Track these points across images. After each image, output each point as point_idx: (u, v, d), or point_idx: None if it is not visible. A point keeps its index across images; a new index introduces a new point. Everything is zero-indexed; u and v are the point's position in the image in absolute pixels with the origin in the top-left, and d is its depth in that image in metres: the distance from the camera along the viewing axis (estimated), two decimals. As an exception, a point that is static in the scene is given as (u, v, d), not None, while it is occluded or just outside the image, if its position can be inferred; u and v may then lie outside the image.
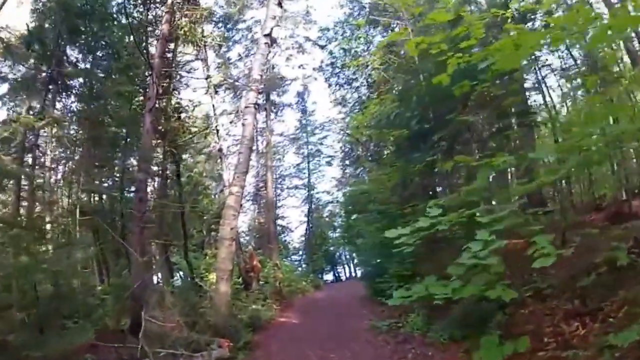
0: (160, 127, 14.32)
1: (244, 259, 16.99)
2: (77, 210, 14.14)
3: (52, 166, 15.27)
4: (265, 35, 12.97)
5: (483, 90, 9.28)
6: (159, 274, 20.01)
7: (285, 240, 37.34)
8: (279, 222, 37.66)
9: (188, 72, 20.38)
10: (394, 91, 16.63)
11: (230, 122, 24.58)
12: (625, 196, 12.04)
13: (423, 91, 12.16)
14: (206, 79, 19.88)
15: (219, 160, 19.72)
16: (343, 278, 40.14)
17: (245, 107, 12.31)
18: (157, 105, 13.29)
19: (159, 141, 14.70)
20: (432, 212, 7.24)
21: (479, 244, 6.32)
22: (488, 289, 6.13)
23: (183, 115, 17.09)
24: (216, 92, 21.19)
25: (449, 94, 10.77)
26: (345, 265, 43.41)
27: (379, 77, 19.38)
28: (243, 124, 11.96)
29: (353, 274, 41.22)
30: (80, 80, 14.64)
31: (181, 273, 21.55)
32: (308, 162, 38.75)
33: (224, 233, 11.00)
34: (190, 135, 16.66)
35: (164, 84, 14.46)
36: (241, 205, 12.14)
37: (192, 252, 21.19)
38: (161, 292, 15.55)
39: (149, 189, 19.89)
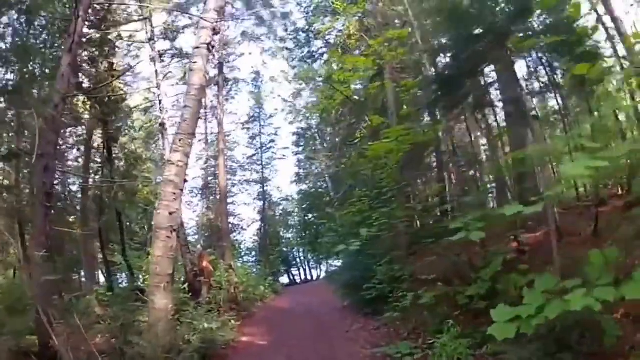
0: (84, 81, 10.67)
1: (191, 260, 13.52)
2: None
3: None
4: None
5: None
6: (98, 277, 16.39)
7: (237, 240, 33.75)
8: (231, 219, 34.11)
9: (130, 37, 16.83)
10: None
11: (174, 104, 20.61)
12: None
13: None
14: (149, 41, 16.34)
15: (159, 138, 16.02)
16: (298, 280, 37.78)
17: (196, 47, 8.96)
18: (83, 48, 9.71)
19: (83, 97, 10.99)
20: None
21: None
22: None
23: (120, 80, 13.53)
24: (161, 59, 17.63)
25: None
26: (301, 267, 40.40)
27: (354, 43, 16.34)
28: (191, 69, 8.59)
29: (309, 277, 38.39)
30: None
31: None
32: (262, 154, 35.26)
33: (160, 220, 7.67)
34: (123, 93, 12.93)
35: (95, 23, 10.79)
36: (186, 180, 8.69)
37: (135, 252, 17.60)
38: (88, 303, 12.25)
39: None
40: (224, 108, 18.68)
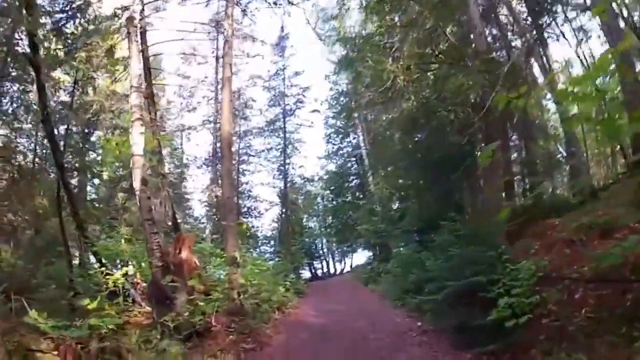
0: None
1: (159, 247, 7.83)
2: None
3: None
4: None
5: None
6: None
7: (252, 224, 28.10)
8: (245, 203, 28.58)
9: None
10: None
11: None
12: None
13: None
14: None
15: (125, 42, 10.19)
16: (320, 274, 31.87)
17: None
18: None
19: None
20: None
21: None
22: None
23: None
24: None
25: None
26: (323, 260, 34.88)
27: None
28: None
29: (332, 271, 33.46)
30: None
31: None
32: (284, 121, 29.30)
33: None
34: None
35: None
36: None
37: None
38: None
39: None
40: (233, 20, 11.88)
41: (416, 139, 10.94)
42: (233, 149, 18.74)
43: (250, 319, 9.07)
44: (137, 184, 8.32)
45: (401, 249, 14.34)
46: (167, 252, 8.02)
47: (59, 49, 11.73)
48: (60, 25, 11.44)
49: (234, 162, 22.25)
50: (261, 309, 10.19)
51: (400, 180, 14.85)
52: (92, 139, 17.05)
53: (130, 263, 10.73)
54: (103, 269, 8.98)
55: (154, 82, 13.07)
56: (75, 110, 12.31)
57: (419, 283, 9.54)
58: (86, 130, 12.73)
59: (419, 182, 11.20)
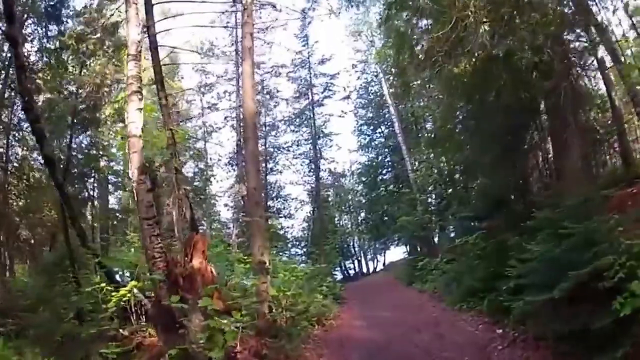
0: None
1: (166, 255, 6.01)
2: None
3: None
4: None
5: None
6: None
7: (282, 228, 26.40)
8: (275, 204, 26.98)
9: None
10: None
11: None
12: None
13: None
14: None
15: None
16: (352, 273, 30.73)
17: None
18: None
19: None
20: None
21: None
22: None
23: None
24: None
25: None
26: (356, 259, 33.15)
27: None
28: None
29: (364, 270, 31.90)
30: None
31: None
32: (313, 112, 27.31)
33: None
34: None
35: None
36: None
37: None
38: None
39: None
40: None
41: (484, 97, 8.79)
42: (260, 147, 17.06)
43: (286, 339, 7.19)
44: (133, 173, 6.51)
45: (456, 240, 12.25)
46: (175, 261, 6.18)
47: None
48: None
49: (260, 158, 20.66)
50: (298, 324, 8.27)
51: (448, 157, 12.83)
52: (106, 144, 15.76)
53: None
54: (103, 285, 7.26)
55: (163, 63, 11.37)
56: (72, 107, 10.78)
57: (490, 280, 7.59)
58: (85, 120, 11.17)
59: (488, 153, 9.06)
